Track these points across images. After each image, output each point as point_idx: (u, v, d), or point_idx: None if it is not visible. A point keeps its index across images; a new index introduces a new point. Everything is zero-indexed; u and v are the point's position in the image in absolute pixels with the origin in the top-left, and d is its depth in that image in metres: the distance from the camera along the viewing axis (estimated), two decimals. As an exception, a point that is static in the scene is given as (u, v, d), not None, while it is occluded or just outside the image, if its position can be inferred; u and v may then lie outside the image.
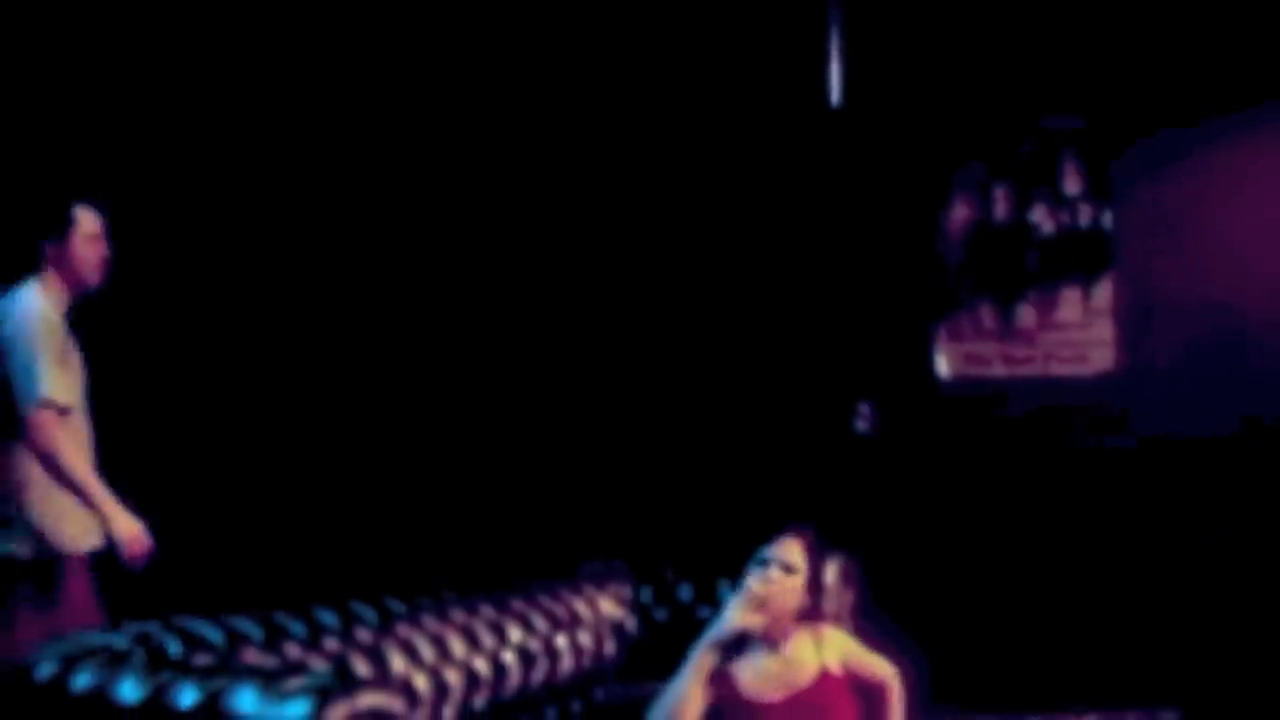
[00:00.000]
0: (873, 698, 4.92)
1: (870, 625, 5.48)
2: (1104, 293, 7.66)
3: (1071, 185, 7.62)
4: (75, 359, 5.41)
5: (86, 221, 5.46)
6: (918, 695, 5.46)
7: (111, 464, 5.32)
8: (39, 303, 5.36)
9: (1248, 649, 7.01)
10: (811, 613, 4.92)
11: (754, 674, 4.77)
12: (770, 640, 4.81)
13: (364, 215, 6.93)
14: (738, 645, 4.82)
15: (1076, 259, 7.62)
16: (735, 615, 4.70)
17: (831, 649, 4.90)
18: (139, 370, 5.94)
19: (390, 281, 6.69)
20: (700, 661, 4.72)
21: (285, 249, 6.65)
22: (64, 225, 5.39)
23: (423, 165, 7.01)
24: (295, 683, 3.32)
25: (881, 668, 4.93)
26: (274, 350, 6.14)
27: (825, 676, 4.80)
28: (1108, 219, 7.63)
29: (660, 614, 5.67)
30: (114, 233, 5.45)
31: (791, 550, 4.80)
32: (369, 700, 3.26)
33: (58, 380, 5.26)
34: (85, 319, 5.40)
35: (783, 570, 4.77)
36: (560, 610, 5.47)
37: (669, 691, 4.62)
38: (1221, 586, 7.16)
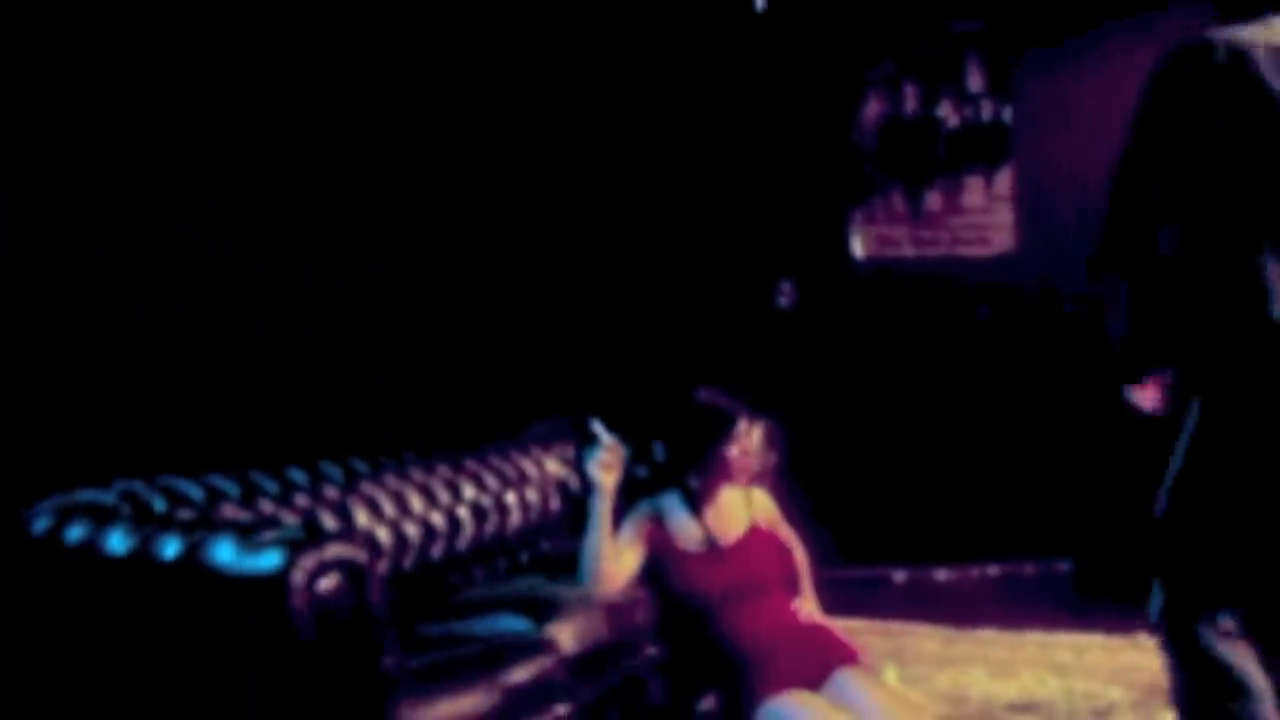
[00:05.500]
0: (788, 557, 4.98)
1: (789, 484, 5.53)
2: (1004, 181, 7.70)
3: (975, 83, 7.63)
4: None
5: None
6: (832, 550, 5.52)
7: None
8: None
9: (1133, 504, 7.12)
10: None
11: (691, 527, 4.80)
12: (706, 496, 4.84)
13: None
14: (675, 502, 4.85)
15: (979, 150, 7.66)
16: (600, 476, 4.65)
17: (759, 507, 4.94)
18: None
19: (352, 163, 6.61)
20: (636, 522, 4.76)
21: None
22: None
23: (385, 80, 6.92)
24: (269, 535, 3.35)
25: (789, 534, 4.97)
26: (260, 236, 6.06)
27: (755, 530, 4.84)
28: (1008, 114, 7.65)
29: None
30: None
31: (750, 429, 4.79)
32: (336, 551, 3.29)
33: None
34: None
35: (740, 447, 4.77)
36: (510, 469, 5.51)
37: (592, 547, 4.60)
38: (1110, 447, 7.26)
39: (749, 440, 4.73)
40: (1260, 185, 3.20)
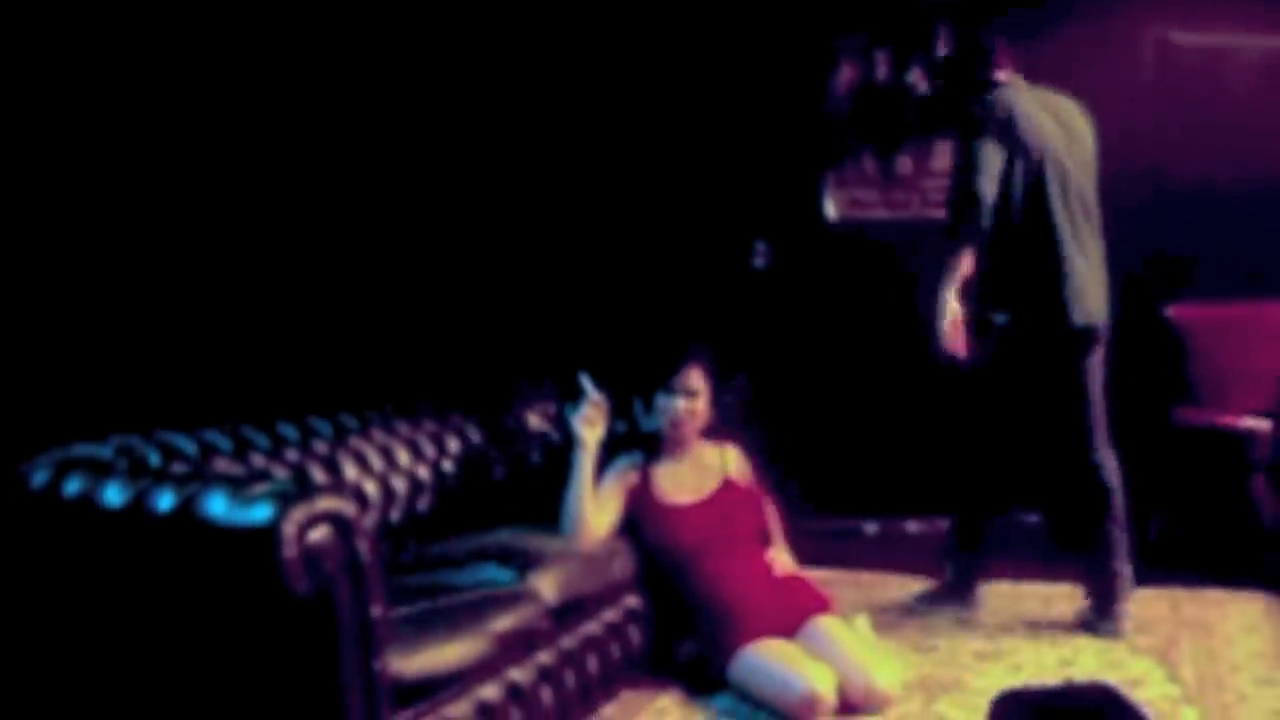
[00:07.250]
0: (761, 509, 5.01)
1: (763, 438, 5.55)
2: (973, 145, 7.72)
3: (944, 51, 7.63)
4: None
5: None
6: (805, 502, 5.53)
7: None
8: None
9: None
10: (714, 427, 4.99)
11: (667, 481, 4.83)
12: (681, 451, 4.87)
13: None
14: (652, 456, 4.88)
15: (948, 116, 7.66)
16: (584, 434, 4.71)
17: (732, 461, 4.98)
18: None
19: (348, 122, 6.57)
20: (617, 475, 4.78)
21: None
22: None
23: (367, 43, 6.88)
24: (260, 488, 3.35)
25: (762, 487, 5.01)
26: (251, 193, 6.01)
27: (728, 483, 4.88)
28: (976, 81, 7.67)
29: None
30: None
31: (693, 377, 4.85)
32: (325, 504, 3.30)
33: None
34: None
35: (687, 396, 4.83)
36: (493, 424, 5.51)
37: (574, 500, 4.64)
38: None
39: (697, 392, 4.80)
40: (1028, 185, 5.26)
